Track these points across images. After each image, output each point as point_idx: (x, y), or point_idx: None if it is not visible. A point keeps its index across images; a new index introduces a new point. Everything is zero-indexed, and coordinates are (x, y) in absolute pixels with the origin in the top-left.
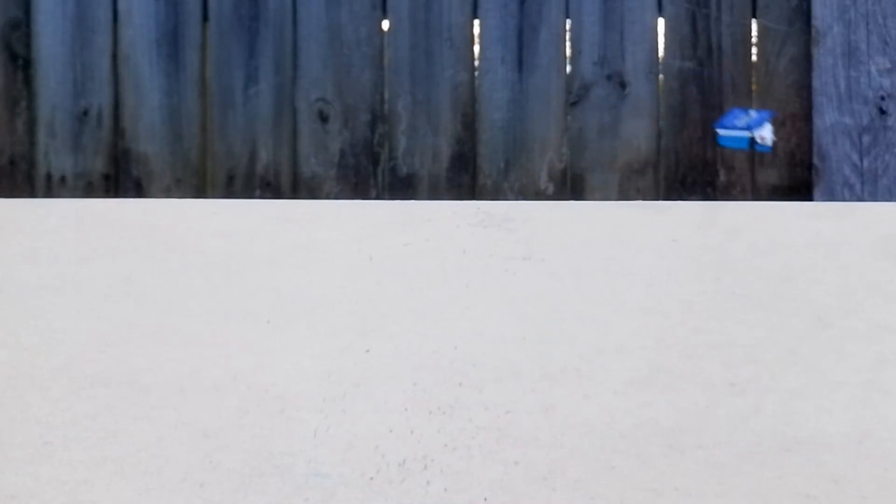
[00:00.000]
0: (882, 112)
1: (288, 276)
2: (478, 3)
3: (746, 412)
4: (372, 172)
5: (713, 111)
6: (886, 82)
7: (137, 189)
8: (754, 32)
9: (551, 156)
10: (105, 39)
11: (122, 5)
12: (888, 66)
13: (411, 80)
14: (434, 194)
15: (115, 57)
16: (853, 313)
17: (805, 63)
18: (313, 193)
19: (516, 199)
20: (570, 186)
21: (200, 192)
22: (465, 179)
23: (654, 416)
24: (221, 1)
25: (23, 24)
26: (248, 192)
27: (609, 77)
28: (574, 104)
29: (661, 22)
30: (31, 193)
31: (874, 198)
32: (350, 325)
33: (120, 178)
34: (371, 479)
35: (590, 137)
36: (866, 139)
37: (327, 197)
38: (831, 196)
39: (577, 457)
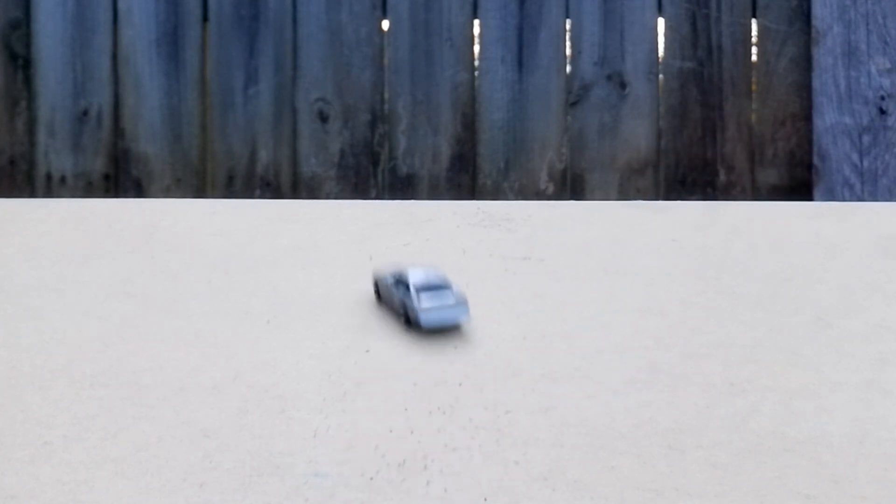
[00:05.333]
0: (882, 112)
1: (288, 276)
2: (478, 3)
3: (746, 412)
4: (372, 172)
5: (713, 111)
6: (886, 82)
7: (137, 189)
8: (754, 32)
9: (551, 156)
10: (105, 39)
11: (122, 5)
12: (888, 66)
13: (411, 80)
14: (434, 194)
15: (115, 57)
16: (853, 313)
17: (805, 63)
18: (313, 193)
19: (516, 199)
20: (570, 186)
21: (200, 192)
22: (465, 179)
23: (654, 416)
24: (221, 1)
25: (23, 24)
26: (248, 192)
27: (609, 77)
28: (574, 104)
29: (661, 22)
30: (31, 193)
31: (874, 198)
32: (350, 325)
33: (120, 178)
34: (371, 479)
35: (590, 137)
36: (866, 139)
37: (327, 197)
38: (831, 196)
39: (577, 457)
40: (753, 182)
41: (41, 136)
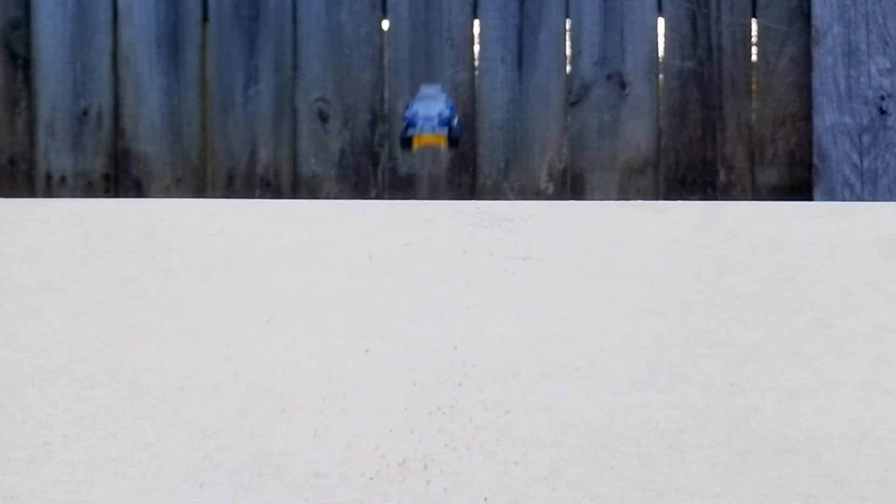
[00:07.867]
0: (882, 112)
1: (288, 276)
2: (478, 3)
3: (746, 412)
4: (372, 172)
5: (713, 111)
6: (886, 82)
7: (137, 189)
8: (754, 32)
9: (551, 156)
10: (105, 39)
11: (122, 5)
12: (888, 66)
13: (411, 80)
14: (434, 194)
15: (115, 57)
16: (853, 313)
17: (805, 63)
18: (313, 193)
19: (516, 198)
20: (570, 186)
21: (200, 192)
22: (465, 179)
23: (654, 416)
24: (221, 1)
25: (23, 24)
26: (248, 192)
27: (609, 77)
28: (574, 104)
29: (661, 22)
30: (31, 193)
31: (874, 198)
32: (350, 325)
33: (120, 178)
34: (371, 479)
35: (590, 137)
36: (866, 139)
37: (327, 197)
38: (831, 196)
39: (577, 457)
40: (753, 182)
41: (41, 136)
